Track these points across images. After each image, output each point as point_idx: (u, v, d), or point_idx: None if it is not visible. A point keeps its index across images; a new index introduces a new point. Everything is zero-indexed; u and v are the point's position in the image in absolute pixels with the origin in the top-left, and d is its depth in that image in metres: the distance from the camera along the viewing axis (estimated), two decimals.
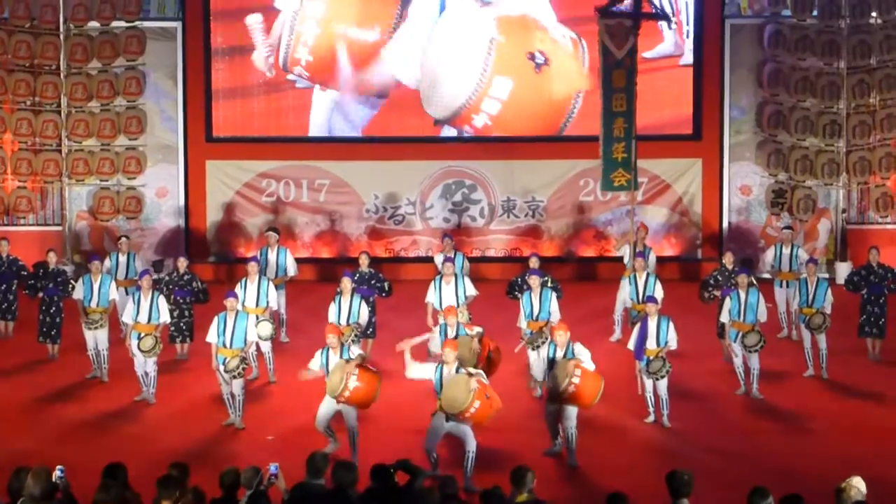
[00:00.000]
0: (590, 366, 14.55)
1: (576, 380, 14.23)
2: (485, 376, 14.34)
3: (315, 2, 23.97)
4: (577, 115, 23.67)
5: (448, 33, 22.86)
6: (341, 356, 14.44)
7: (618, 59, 19.93)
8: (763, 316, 17.13)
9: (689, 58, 24.55)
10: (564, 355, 14.54)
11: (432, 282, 18.26)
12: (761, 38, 24.37)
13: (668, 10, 23.58)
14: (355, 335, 16.93)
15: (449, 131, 24.20)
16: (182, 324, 18.71)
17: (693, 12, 24.27)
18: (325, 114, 24.43)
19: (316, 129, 24.63)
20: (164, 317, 17.14)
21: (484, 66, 22.88)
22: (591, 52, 22.72)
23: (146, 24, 24.33)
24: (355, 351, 14.94)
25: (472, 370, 14.21)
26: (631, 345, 16.29)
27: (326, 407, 14.55)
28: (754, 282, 17.63)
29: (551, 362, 14.61)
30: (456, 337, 15.41)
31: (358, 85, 24.15)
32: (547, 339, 15.72)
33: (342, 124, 24.53)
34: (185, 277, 18.92)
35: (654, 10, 20.74)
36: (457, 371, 14.02)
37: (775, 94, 24.37)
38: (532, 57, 22.74)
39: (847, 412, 16.64)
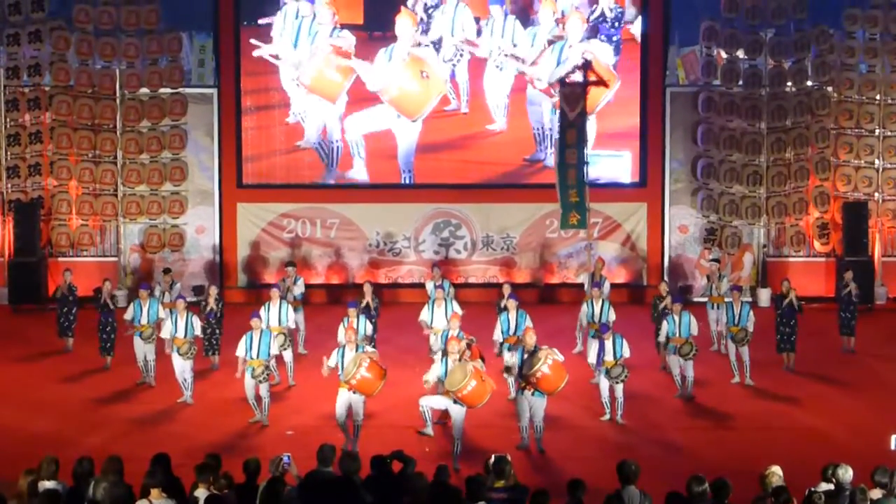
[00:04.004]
0: (560, 357, 14.63)
1: (549, 362, 14.28)
2: (482, 364, 14.49)
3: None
4: (539, 167, 24.00)
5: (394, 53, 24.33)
6: (355, 353, 14.70)
7: (570, 119, 19.90)
8: (695, 331, 17.23)
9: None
10: (532, 354, 14.60)
11: (426, 305, 18.15)
12: (696, 104, 24.40)
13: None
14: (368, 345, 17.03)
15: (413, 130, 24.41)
16: (213, 340, 18.72)
17: (640, 82, 24.34)
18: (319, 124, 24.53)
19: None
20: (197, 332, 17.26)
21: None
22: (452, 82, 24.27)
23: (188, 90, 24.28)
24: (369, 349, 15.20)
25: (470, 362, 14.34)
26: (591, 358, 16.33)
27: (341, 401, 14.62)
28: (685, 306, 17.68)
29: (523, 363, 14.65)
30: (457, 335, 15.54)
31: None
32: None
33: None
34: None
35: (596, 78, 20.78)
36: (459, 360, 14.26)
37: (707, 150, 24.41)
38: (422, 72, 24.13)
39: (766, 412, 16.69)
